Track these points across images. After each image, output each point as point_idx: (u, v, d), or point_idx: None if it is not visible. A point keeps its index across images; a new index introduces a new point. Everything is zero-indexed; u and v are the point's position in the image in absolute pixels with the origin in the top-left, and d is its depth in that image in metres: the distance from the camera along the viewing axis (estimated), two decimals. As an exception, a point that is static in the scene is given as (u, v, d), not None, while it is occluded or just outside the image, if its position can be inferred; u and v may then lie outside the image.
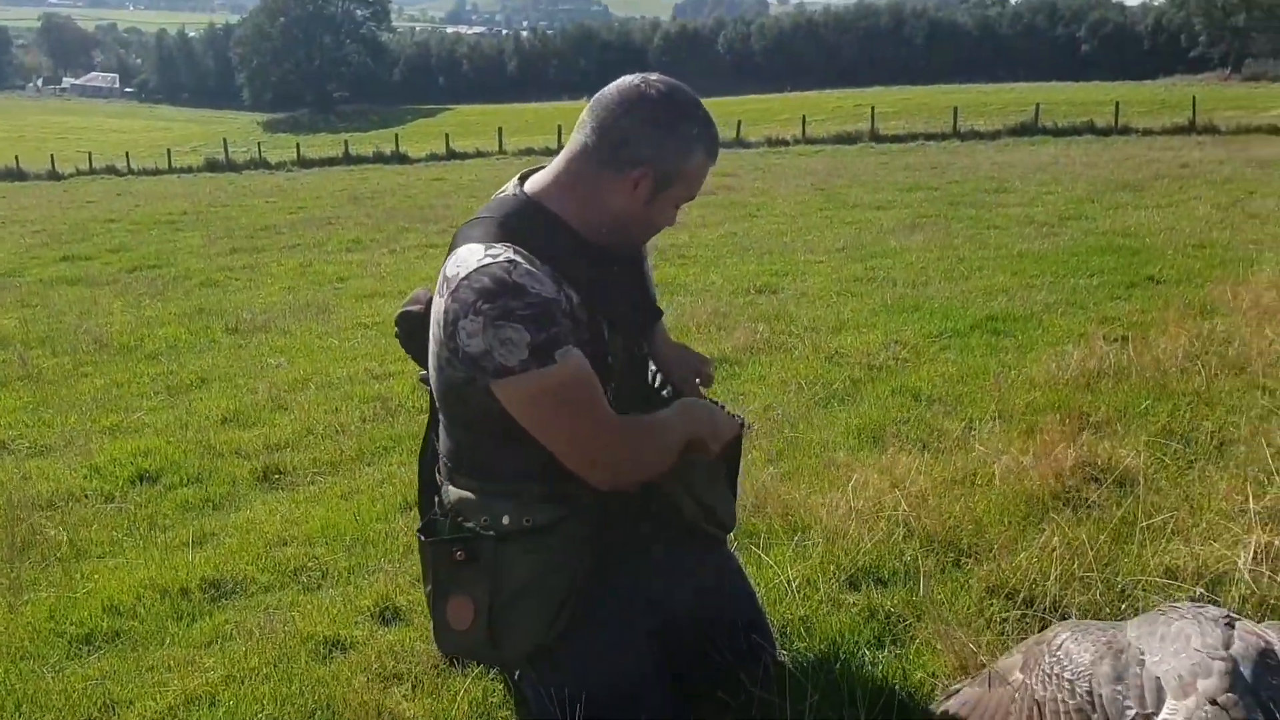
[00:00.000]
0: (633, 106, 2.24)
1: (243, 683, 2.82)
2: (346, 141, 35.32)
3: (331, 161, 32.63)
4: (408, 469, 4.56)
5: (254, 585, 3.54)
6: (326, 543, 3.83)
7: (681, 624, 2.55)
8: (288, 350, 7.31)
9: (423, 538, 2.39)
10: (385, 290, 9.76)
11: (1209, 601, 2.90)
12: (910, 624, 2.90)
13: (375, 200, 19.60)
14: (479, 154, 32.96)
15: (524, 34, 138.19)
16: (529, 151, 31.81)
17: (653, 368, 2.70)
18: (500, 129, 35.31)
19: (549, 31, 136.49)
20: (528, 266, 2.12)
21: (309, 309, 8.87)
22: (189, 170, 37.12)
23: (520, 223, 2.24)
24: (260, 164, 35.22)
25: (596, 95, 2.31)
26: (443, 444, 2.42)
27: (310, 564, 3.66)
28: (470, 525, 2.31)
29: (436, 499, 2.44)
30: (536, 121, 45.81)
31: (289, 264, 11.91)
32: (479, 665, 2.71)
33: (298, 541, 3.87)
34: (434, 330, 2.22)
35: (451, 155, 32.83)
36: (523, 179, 2.40)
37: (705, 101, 2.38)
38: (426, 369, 2.39)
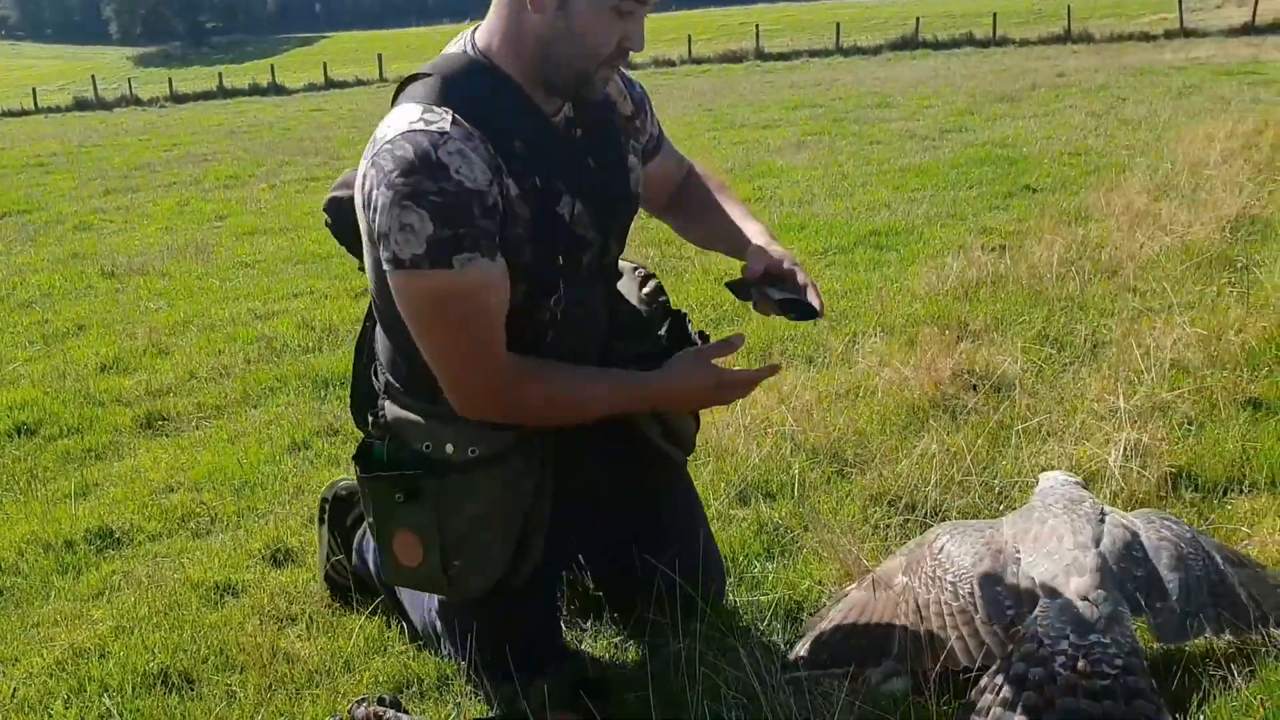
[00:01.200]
0: None
1: (132, 633, 2.78)
2: (221, 74, 34.21)
3: (207, 95, 31.59)
4: (295, 409, 4.51)
5: (141, 534, 3.47)
6: (214, 488, 3.77)
7: (616, 544, 2.46)
8: (167, 293, 7.11)
9: (360, 473, 2.19)
10: (266, 226, 9.53)
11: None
12: (797, 535, 2.97)
13: (253, 134, 19.07)
14: (359, 82, 32.21)
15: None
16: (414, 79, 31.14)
17: (645, 295, 2.43)
18: (380, 56, 34.47)
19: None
20: (461, 144, 1.85)
21: (188, 249, 8.62)
22: (57, 110, 35.56)
23: (466, 81, 1.95)
24: (132, 101, 33.94)
25: None
26: (381, 351, 2.21)
27: (198, 510, 3.60)
28: (412, 450, 2.11)
29: (372, 416, 2.20)
30: (419, 46, 44.75)
31: (165, 203, 11.54)
32: (372, 600, 2.71)
33: (184, 488, 3.80)
34: (356, 198, 1.97)
35: (331, 85, 32.03)
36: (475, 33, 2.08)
37: None
38: (355, 254, 2.20)
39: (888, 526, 2.98)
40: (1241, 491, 3.04)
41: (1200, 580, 2.33)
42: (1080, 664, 2.13)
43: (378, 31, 74.51)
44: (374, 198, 1.85)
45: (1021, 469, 3.21)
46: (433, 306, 1.90)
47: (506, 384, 2.00)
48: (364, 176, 1.89)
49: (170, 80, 34.37)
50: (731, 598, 2.66)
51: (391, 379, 2.17)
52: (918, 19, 31.92)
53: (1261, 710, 2.07)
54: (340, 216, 2.21)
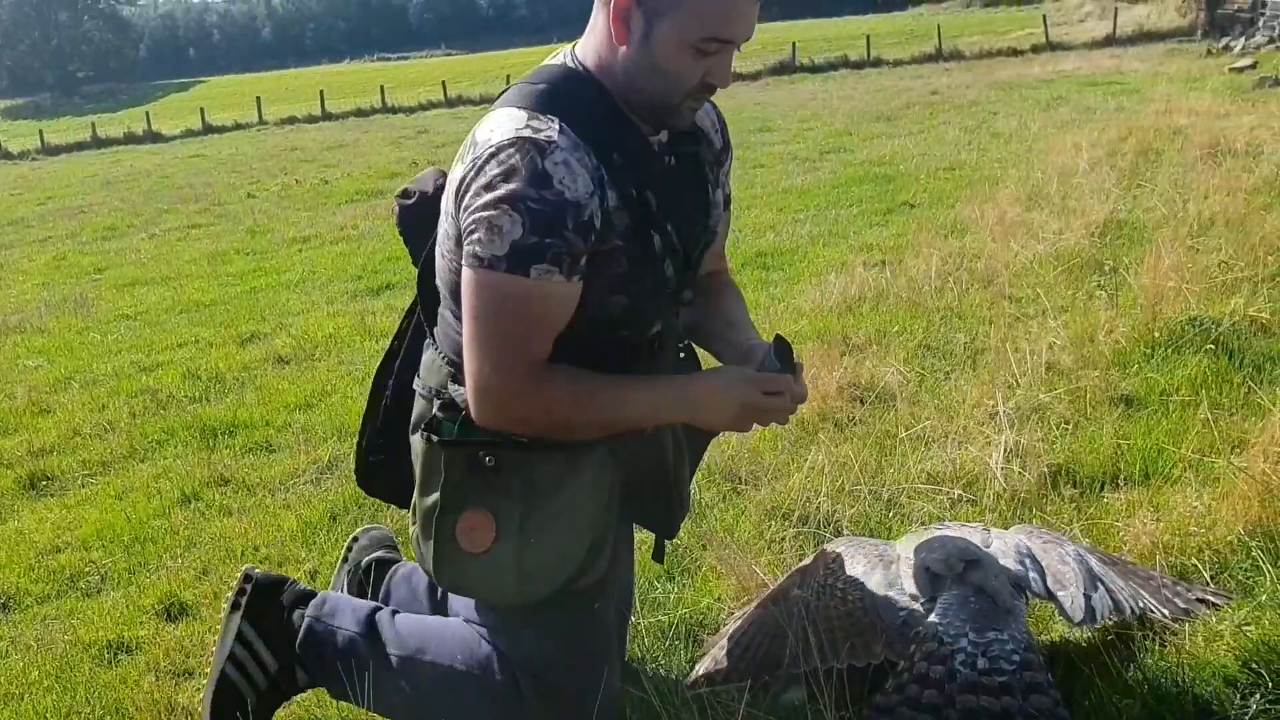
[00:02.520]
0: None
1: (22, 699, 2.71)
2: (94, 124, 33.32)
3: (80, 146, 30.72)
4: (183, 460, 4.44)
5: (28, 597, 3.39)
6: (103, 545, 3.69)
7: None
8: (46, 350, 6.93)
9: (433, 437, 1.99)
10: (147, 277, 9.34)
11: (966, 500, 3.12)
12: (696, 554, 3.01)
13: (130, 183, 18.63)
14: (238, 126, 31.57)
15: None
16: (291, 120, 30.74)
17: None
18: (259, 98, 33.90)
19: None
20: (568, 154, 1.78)
21: (66, 304, 8.41)
22: (-80, 166, 34.45)
23: (570, 90, 1.89)
24: (1, 155, 33.01)
25: None
26: (450, 347, 2.02)
27: (87, 569, 3.53)
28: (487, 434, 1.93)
29: (438, 399, 2.03)
30: (297, 88, 44.27)
31: (41, 259, 11.23)
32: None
33: (72, 547, 3.72)
34: (445, 201, 1.91)
35: (209, 130, 31.37)
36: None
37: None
38: (415, 257, 2.13)
39: (782, 539, 3.03)
40: (1116, 486, 3.17)
41: (1089, 573, 2.42)
42: (979, 661, 2.20)
43: (255, 74, 73.49)
44: (470, 198, 1.80)
45: (909, 475, 3.30)
46: (494, 303, 1.80)
47: (531, 386, 1.86)
48: (461, 180, 1.83)
49: (41, 132, 33.33)
50: (634, 620, 2.69)
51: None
52: (794, 44, 32.49)
53: (1140, 693, 2.16)
54: (416, 218, 2.15)
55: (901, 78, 24.08)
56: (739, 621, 2.58)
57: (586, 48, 1.94)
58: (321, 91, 33.10)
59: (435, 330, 2.06)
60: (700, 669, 2.54)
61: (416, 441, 2.06)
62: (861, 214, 8.12)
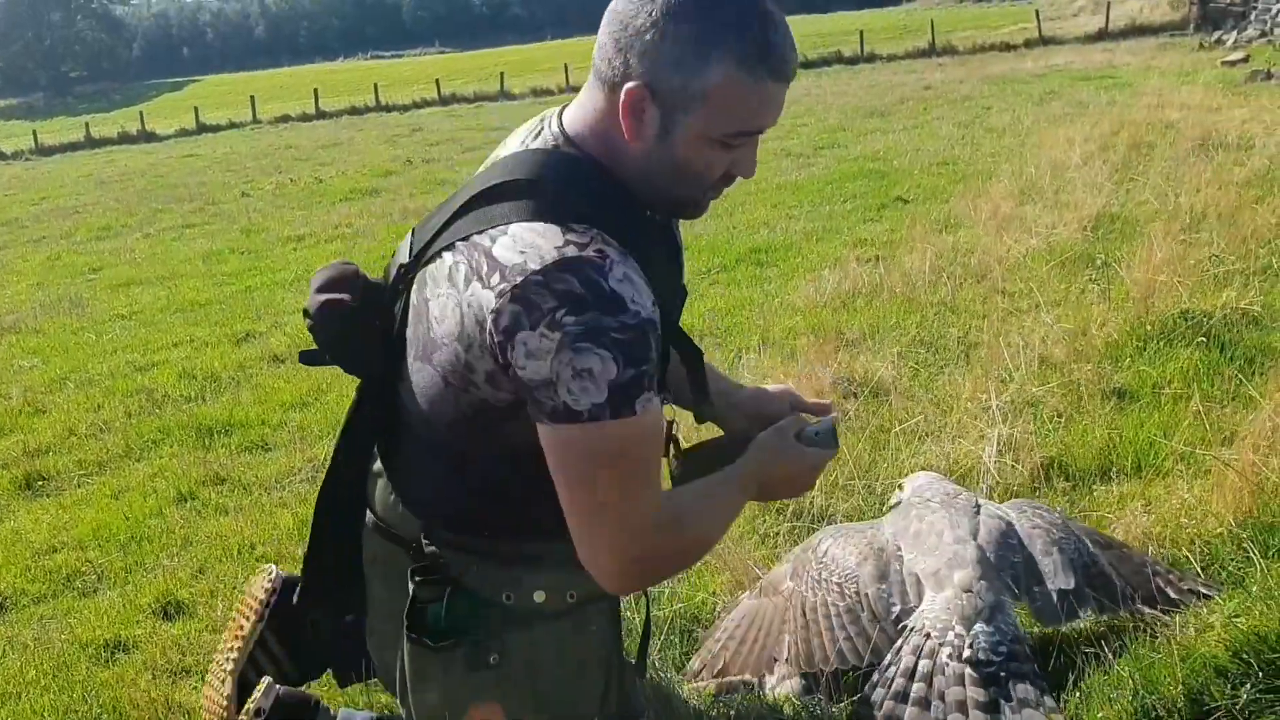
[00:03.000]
0: (638, 3, 1.55)
1: (20, 698, 2.72)
2: (88, 124, 33.23)
3: (74, 146, 30.65)
4: (179, 460, 4.45)
5: (25, 597, 3.40)
6: (99, 545, 3.70)
7: None
8: (41, 350, 6.93)
9: (416, 639, 1.72)
10: (142, 277, 9.34)
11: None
12: (691, 550, 3.02)
13: (124, 183, 18.58)
14: (232, 125, 31.50)
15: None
16: (286, 118, 30.71)
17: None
18: (253, 97, 33.82)
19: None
20: (624, 267, 1.50)
21: (61, 304, 8.41)
22: (-87, 167, 34.37)
23: (585, 187, 1.60)
24: (-6, 154, 32.96)
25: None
26: (426, 490, 1.76)
27: (84, 568, 3.53)
28: (487, 602, 1.71)
29: (419, 576, 1.72)
30: (291, 85, 44.23)
31: (35, 259, 11.22)
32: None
33: (69, 547, 3.73)
34: (455, 327, 1.57)
35: (203, 129, 31.32)
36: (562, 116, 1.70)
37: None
38: (357, 371, 1.83)
39: (776, 534, 3.05)
40: (1109, 478, 3.19)
41: (1074, 563, 2.44)
42: (966, 653, 2.22)
43: (249, 73, 73.42)
44: (521, 340, 1.48)
45: (902, 470, 3.30)
46: (610, 460, 1.53)
47: (670, 538, 1.63)
48: (496, 312, 1.50)
49: (35, 132, 33.21)
50: (629, 615, 2.70)
51: (446, 517, 1.73)
52: (788, 39, 32.54)
53: (1132, 683, 2.18)
54: (341, 331, 1.79)
55: (895, 73, 24.08)
56: (733, 614, 2.59)
57: (582, 123, 1.65)
58: (316, 90, 33.06)
59: (400, 473, 1.77)
60: (697, 662, 2.56)
61: (387, 626, 1.83)
62: (855, 209, 8.14)
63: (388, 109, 30.91)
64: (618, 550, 1.57)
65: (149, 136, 30.93)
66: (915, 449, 3.46)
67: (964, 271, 5.60)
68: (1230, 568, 2.59)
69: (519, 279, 1.48)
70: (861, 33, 31.56)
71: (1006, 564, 2.41)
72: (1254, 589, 2.42)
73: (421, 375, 1.66)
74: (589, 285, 1.47)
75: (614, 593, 1.70)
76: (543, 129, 1.69)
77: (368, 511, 1.83)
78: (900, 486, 2.74)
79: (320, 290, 1.80)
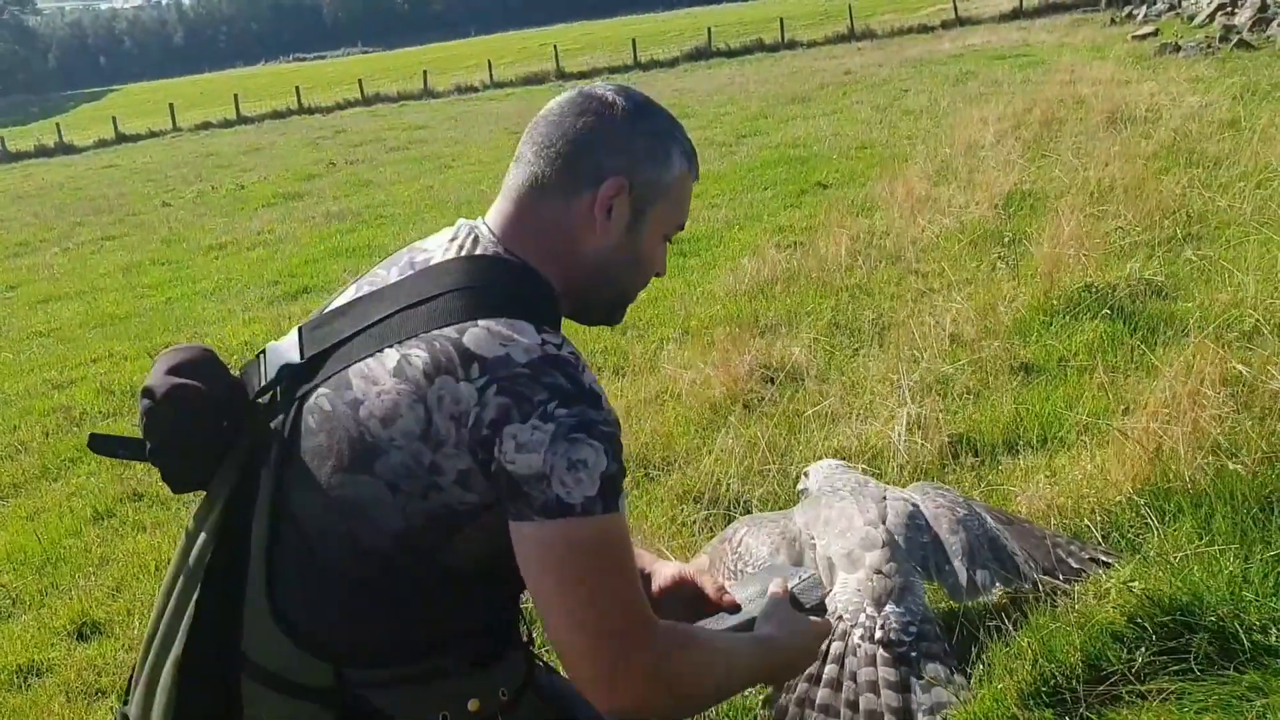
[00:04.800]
0: (584, 111, 1.63)
1: (-71, 728, 2.68)
2: (3, 138, 32.56)
3: (-12, 161, 30.14)
4: (97, 478, 4.39)
5: (-64, 625, 3.33)
6: (14, 568, 3.65)
7: None
8: (-45, 371, 6.79)
9: None
10: (61, 292, 9.18)
11: (871, 474, 3.19)
12: (608, 543, 3.04)
13: (42, 197, 18.26)
14: (152, 134, 31.04)
15: (186, 3, 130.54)
16: (206, 125, 30.32)
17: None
18: (172, 105, 33.34)
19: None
20: (588, 369, 1.51)
21: (-24, 324, 8.25)
22: None
23: (542, 295, 1.60)
24: (-95, 173, 32.18)
25: (532, 121, 1.68)
26: (333, 626, 1.56)
27: (-3, 593, 3.48)
28: None
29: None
30: (211, 92, 43.66)
31: (-50, 278, 10.99)
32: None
33: (-19, 571, 3.67)
34: (418, 425, 1.48)
35: (122, 139, 30.82)
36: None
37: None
38: (181, 478, 1.61)
39: (694, 522, 3.08)
40: (1015, 451, 3.26)
41: (979, 539, 2.50)
42: (878, 634, 2.26)
43: (168, 80, 72.33)
44: (511, 432, 1.44)
45: (816, 452, 3.35)
46: (602, 553, 1.49)
47: (661, 650, 1.53)
48: (488, 406, 1.45)
49: (-53, 149, 32.60)
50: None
51: (372, 649, 1.57)
52: (709, 29, 32.61)
53: (1031, 652, 2.23)
54: (183, 413, 1.56)
55: (816, 59, 24.32)
56: (649, 607, 2.61)
57: (517, 237, 1.63)
58: (236, 95, 32.65)
59: (295, 610, 1.54)
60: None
61: None
62: (776, 196, 8.20)
63: (310, 111, 30.62)
64: (617, 648, 1.47)
65: (67, 149, 30.39)
66: (829, 431, 3.50)
67: (879, 254, 5.67)
68: (1129, 534, 2.66)
69: (505, 371, 1.45)
70: (782, 20, 31.80)
71: (916, 545, 2.46)
72: (1151, 553, 2.49)
73: (352, 488, 1.51)
74: (573, 381, 1.46)
75: (606, 708, 1.53)
76: (476, 237, 1.65)
77: (245, 669, 1.56)
78: (805, 474, 2.79)
79: (172, 372, 1.57)
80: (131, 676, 1.59)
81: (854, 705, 2.20)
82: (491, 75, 32.58)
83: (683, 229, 1.70)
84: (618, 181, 1.58)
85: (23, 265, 11.17)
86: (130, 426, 4.99)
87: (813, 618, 1.71)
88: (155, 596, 1.49)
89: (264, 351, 1.62)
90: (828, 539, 2.50)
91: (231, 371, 1.62)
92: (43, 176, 22.73)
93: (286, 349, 1.61)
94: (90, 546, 3.71)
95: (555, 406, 1.43)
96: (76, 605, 3.23)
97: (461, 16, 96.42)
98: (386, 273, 1.64)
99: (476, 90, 31.52)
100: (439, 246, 1.65)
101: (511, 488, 1.44)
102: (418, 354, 1.48)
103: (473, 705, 1.58)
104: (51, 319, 8.13)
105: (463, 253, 1.62)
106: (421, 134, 19.13)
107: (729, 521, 2.91)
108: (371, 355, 1.52)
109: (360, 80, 32.79)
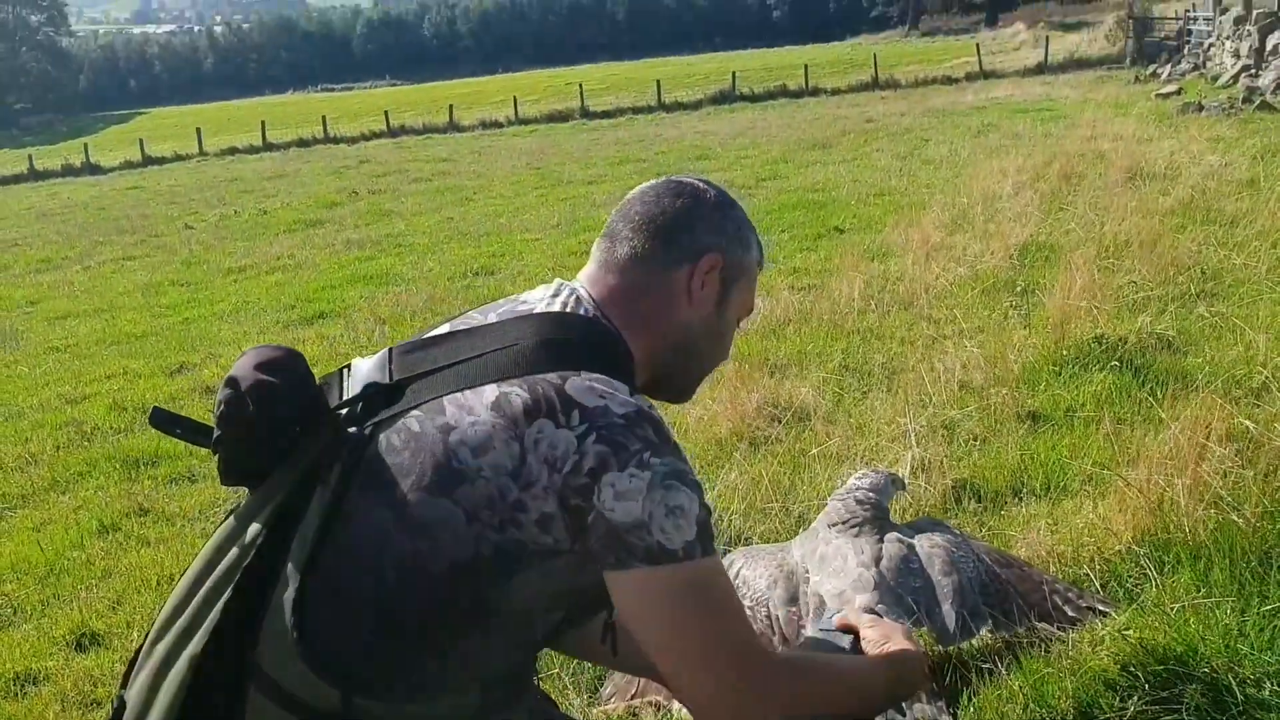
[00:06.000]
0: (679, 194, 1.73)
1: (-75, 732, 2.69)
2: (31, 156, 32.93)
3: (16, 179, 30.36)
4: (104, 492, 4.42)
5: (-63, 632, 3.36)
6: (17, 577, 3.68)
7: None
8: (-29, 383, 6.85)
9: None
10: (79, 309, 9.28)
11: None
12: (607, 574, 3.05)
13: (66, 215, 18.44)
14: (178, 157, 31.36)
15: (218, 30, 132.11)
16: (232, 151, 30.62)
17: None
18: (199, 129, 33.69)
19: (245, 25, 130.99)
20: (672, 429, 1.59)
21: (-5, 337, 8.34)
22: None
23: (624, 362, 1.65)
24: (-65, 188, 32.55)
25: (624, 201, 1.77)
26: (349, 654, 1.52)
27: (-1, 601, 3.50)
28: None
29: None
30: (238, 118, 44.05)
31: (-28, 292, 11.11)
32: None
33: (-14, 580, 3.69)
34: (510, 462, 1.48)
35: (148, 161, 31.13)
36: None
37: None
38: (244, 471, 1.62)
39: (692, 556, 3.08)
40: (1019, 499, 3.25)
41: (972, 582, 2.50)
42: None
43: (197, 106, 73.09)
44: (609, 481, 1.47)
45: (819, 492, 3.36)
46: (708, 594, 1.54)
47: (788, 673, 1.60)
48: (587, 455, 1.48)
49: (-24, 165, 33.00)
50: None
51: (375, 684, 1.53)
52: (734, 73, 32.87)
53: (1023, 696, 2.23)
54: (266, 407, 1.56)
55: (838, 106, 24.47)
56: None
57: (613, 305, 1.70)
58: (263, 122, 32.98)
59: (318, 631, 1.50)
60: (610, 687, 2.59)
61: None
62: (792, 239, 8.25)
63: (336, 141, 30.89)
64: (741, 686, 1.52)
65: (93, 169, 30.71)
66: (833, 471, 3.51)
67: (892, 299, 5.69)
68: (1128, 584, 2.65)
69: (604, 421, 1.49)
70: (806, 67, 31.98)
71: (907, 589, 2.47)
72: (1147, 602, 2.49)
73: (428, 509, 1.50)
74: (661, 434, 1.52)
75: None
76: (578, 298, 1.71)
77: (254, 679, 1.54)
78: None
79: (260, 368, 1.57)
80: (133, 661, 1.58)
81: (842, 746, 2.20)
82: (517, 111, 32.85)
83: (751, 313, 1.80)
84: (714, 257, 1.69)
85: (44, 281, 11.30)
86: (142, 440, 5.02)
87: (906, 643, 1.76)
88: (157, 601, 1.48)
89: (348, 366, 1.66)
90: (821, 576, 2.52)
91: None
92: (68, 195, 22.98)
93: (371, 368, 1.64)
94: (94, 559, 3.74)
95: (650, 456, 1.48)
96: (77, 616, 3.25)
97: (489, 53, 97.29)
98: (483, 317, 1.68)
99: (501, 125, 31.78)
100: (540, 299, 1.70)
101: (611, 536, 1.46)
102: (518, 393, 1.50)
103: None
104: (69, 335, 8.21)
105: (566, 309, 1.67)
106: (445, 166, 19.30)
107: (723, 556, 2.91)
108: (470, 388, 1.54)
109: (386, 112, 33.09)
